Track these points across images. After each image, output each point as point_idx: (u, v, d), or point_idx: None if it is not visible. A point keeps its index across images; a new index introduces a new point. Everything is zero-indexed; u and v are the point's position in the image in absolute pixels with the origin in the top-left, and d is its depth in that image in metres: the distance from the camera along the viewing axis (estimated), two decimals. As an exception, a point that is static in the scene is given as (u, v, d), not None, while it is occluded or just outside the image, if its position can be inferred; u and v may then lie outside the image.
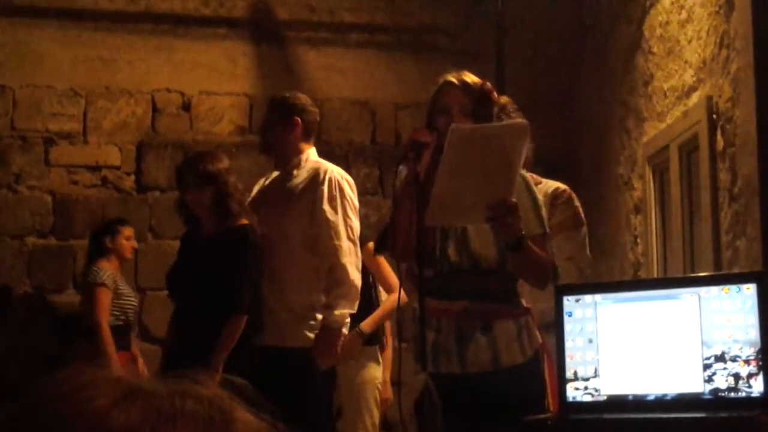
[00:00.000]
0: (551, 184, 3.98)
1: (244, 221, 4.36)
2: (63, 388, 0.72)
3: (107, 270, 5.89)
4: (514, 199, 2.98)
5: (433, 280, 3.19)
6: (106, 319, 5.74)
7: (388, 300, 5.07)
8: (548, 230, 3.28)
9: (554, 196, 3.91)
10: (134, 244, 6.14)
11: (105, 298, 5.78)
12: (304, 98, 4.55)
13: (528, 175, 3.40)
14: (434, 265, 3.22)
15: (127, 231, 6.08)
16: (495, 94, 3.31)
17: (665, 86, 5.48)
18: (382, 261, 5.10)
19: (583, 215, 3.99)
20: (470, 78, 3.28)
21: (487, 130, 3.08)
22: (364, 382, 5.16)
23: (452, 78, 3.27)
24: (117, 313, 5.86)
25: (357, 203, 4.44)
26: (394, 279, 4.89)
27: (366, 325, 5.00)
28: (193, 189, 4.36)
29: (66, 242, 6.50)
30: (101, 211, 6.54)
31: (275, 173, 4.57)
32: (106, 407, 0.69)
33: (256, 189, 4.64)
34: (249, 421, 0.74)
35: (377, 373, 5.21)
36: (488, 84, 3.30)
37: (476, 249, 3.22)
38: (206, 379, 0.75)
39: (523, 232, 3.03)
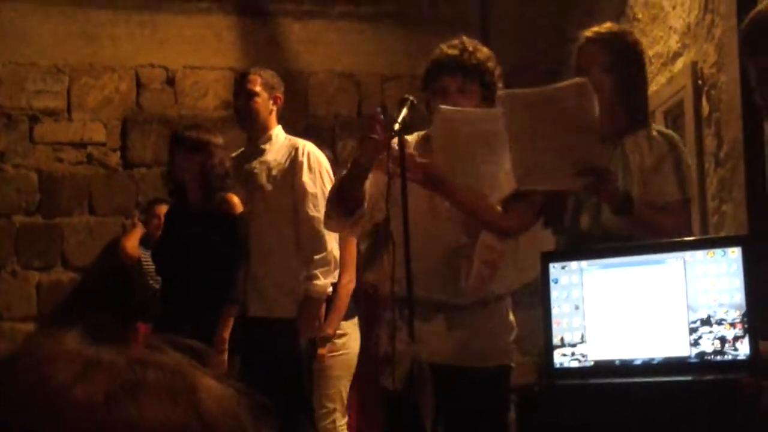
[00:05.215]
0: None
1: (230, 197, 4.38)
2: (21, 365, 0.69)
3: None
4: (602, 164, 3.02)
5: None
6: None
7: None
8: (689, 196, 3.22)
9: None
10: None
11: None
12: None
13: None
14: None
15: (159, 209, 6.06)
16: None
17: (650, 53, 5.46)
18: None
19: None
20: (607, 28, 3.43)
21: (540, 94, 3.09)
22: (355, 354, 5.11)
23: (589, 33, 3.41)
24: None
25: (333, 178, 4.51)
26: None
27: None
28: (182, 153, 4.38)
29: (52, 220, 6.47)
30: (87, 189, 6.52)
31: (241, 149, 4.70)
32: (67, 382, 0.68)
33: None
34: (213, 388, 0.72)
35: None
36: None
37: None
38: (165, 346, 0.74)
39: (632, 195, 3.05)
